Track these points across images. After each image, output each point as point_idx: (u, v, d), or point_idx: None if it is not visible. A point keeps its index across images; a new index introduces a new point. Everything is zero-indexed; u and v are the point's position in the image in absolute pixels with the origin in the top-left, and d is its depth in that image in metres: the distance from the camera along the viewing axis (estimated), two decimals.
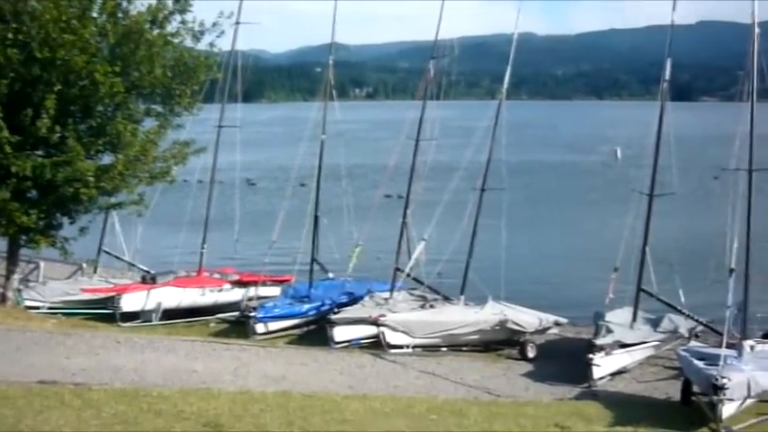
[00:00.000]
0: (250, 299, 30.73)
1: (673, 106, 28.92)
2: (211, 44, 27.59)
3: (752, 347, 22.80)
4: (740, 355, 21.41)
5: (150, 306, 29.71)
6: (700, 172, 62.47)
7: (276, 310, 29.09)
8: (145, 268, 32.96)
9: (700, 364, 20.27)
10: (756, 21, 23.13)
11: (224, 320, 30.38)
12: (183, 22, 26.48)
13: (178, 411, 15.31)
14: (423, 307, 28.73)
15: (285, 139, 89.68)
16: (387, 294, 29.32)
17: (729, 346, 21.78)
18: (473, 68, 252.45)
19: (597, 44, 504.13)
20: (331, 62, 32.93)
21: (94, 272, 33.23)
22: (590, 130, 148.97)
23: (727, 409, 18.57)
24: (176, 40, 26.32)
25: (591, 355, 23.40)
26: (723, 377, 18.53)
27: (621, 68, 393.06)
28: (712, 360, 20.12)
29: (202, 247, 32.48)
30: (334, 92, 32.71)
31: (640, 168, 28.83)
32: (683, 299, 26.88)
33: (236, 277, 32.34)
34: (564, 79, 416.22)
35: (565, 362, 25.49)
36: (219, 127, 32.97)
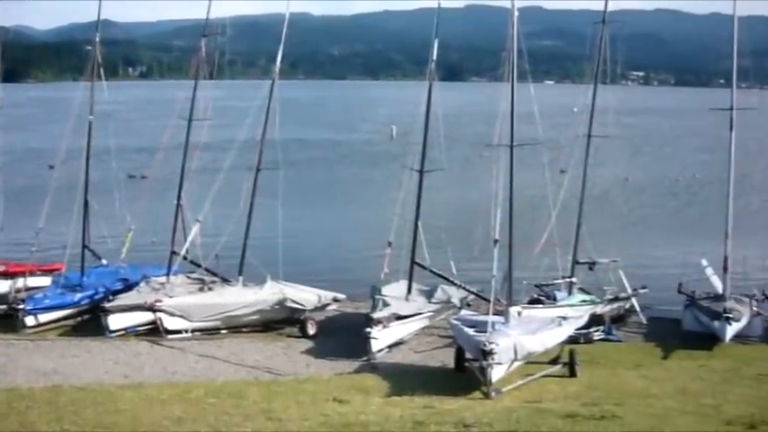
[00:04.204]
0: (18, 290, 28.84)
1: (443, 86, 29.96)
2: None
3: (519, 313, 24.11)
4: (507, 321, 22.57)
5: None
6: (468, 148, 65.22)
7: (46, 301, 27.71)
8: None
9: (470, 331, 21.24)
10: (516, 5, 24.22)
11: None
12: None
13: None
14: (201, 290, 28.36)
15: (47, 120, 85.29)
16: (163, 279, 28.68)
17: (497, 313, 22.95)
18: (249, 48, 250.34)
19: (372, 25, 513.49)
20: (98, 40, 31.46)
21: None
22: (365, 109, 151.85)
23: (497, 373, 19.54)
24: None
25: (369, 329, 23.98)
26: (491, 343, 19.50)
27: (395, 49, 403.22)
28: (482, 327, 21.12)
29: None
30: (102, 71, 31.30)
31: (412, 145, 29.65)
32: (454, 270, 28.10)
33: (2, 268, 30.41)
34: (340, 59, 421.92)
35: (345, 337, 26.01)
36: None
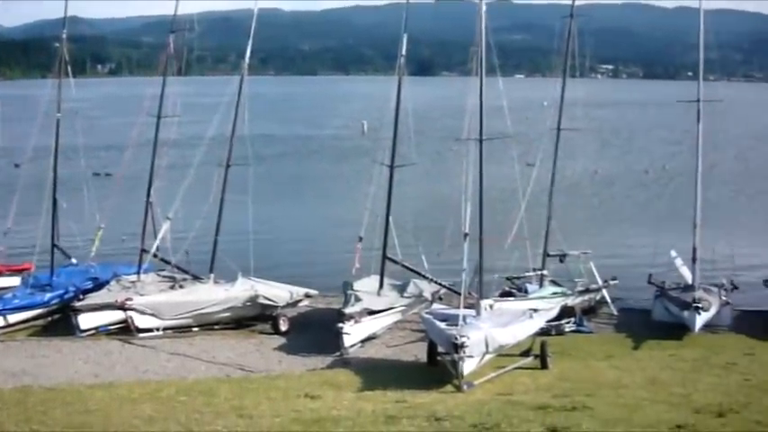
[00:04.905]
0: None
1: (413, 81, 29.97)
2: None
3: (491, 306, 24.16)
4: (478, 314, 22.64)
5: None
6: (439, 142, 65.24)
7: (16, 301, 27.36)
8: None
9: (441, 325, 21.28)
10: (483, 0, 24.24)
11: None
12: None
13: None
14: (172, 288, 28.17)
15: (13, 118, 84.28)
16: (134, 277, 28.46)
17: (469, 307, 23.01)
18: (219, 44, 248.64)
19: (342, 20, 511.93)
20: (65, 36, 31.13)
21: None
22: (336, 104, 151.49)
23: (468, 366, 19.60)
24: None
25: (341, 324, 23.95)
26: (462, 336, 19.54)
27: (366, 44, 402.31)
28: (453, 321, 21.18)
29: None
30: (69, 68, 30.96)
31: (382, 140, 29.65)
32: (425, 264, 28.15)
33: None
34: (310, 54, 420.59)
35: (317, 333, 25.98)
36: None
